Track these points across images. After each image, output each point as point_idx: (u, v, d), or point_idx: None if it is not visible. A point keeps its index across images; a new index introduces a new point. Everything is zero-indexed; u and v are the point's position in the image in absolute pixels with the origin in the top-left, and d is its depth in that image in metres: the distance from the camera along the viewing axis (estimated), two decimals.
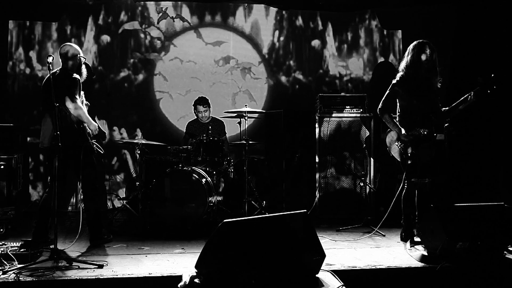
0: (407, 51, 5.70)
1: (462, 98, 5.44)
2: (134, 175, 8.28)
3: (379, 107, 5.77)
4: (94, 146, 5.61)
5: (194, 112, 7.90)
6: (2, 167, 6.46)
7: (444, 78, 5.98)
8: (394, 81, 5.70)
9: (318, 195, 7.40)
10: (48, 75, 5.03)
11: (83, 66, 5.62)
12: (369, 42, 9.29)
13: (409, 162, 5.59)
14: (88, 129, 5.50)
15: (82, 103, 5.45)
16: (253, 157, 7.80)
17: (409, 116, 5.63)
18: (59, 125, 4.79)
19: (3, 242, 5.27)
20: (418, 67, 5.56)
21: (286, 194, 7.92)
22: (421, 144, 5.53)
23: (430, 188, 5.64)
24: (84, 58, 5.65)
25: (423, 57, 5.55)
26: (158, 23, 8.81)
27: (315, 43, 9.21)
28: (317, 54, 9.23)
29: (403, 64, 5.72)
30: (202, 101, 7.81)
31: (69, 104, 5.20)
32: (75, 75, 5.37)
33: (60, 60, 5.53)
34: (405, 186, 5.74)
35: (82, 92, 5.54)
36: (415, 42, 5.65)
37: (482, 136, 7.83)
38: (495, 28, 7.91)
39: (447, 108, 5.60)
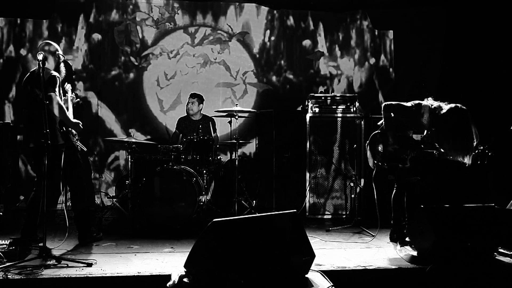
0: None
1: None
2: (124, 173, 8.24)
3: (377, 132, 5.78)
4: (77, 144, 5.56)
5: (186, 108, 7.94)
6: None
7: (434, 79, 5.98)
8: (377, 131, 5.76)
9: (308, 195, 7.41)
10: (28, 74, 5.12)
11: (62, 64, 5.55)
12: (360, 42, 9.29)
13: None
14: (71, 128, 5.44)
15: (66, 101, 5.41)
16: (243, 156, 7.79)
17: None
18: (39, 124, 4.70)
19: None
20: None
21: (276, 194, 7.92)
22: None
23: (420, 189, 5.65)
24: (63, 56, 5.59)
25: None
26: (152, 22, 8.79)
27: (306, 43, 9.20)
28: (308, 54, 9.22)
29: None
30: (193, 94, 7.90)
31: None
32: (54, 73, 5.30)
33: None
34: (395, 186, 5.76)
35: (69, 86, 5.51)
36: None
37: None
38: (485, 29, 7.95)
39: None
